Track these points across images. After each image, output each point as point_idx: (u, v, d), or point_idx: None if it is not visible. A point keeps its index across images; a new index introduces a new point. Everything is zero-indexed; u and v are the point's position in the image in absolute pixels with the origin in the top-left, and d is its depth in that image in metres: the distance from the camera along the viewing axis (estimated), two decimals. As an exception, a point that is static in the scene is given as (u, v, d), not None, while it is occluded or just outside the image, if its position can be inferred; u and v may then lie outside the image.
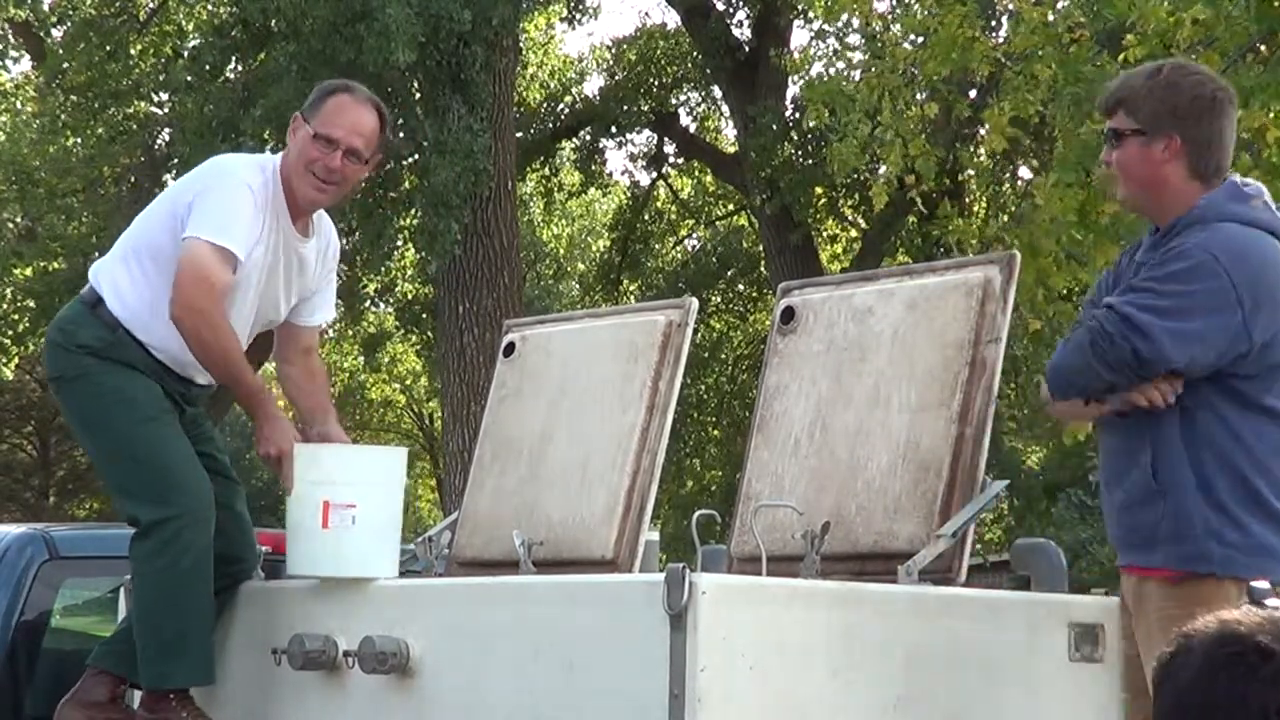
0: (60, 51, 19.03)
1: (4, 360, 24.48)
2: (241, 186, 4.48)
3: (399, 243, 17.83)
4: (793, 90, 19.78)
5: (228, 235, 4.41)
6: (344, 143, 4.56)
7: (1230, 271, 3.67)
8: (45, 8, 19.81)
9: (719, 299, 25.13)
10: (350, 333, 25.69)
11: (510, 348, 5.05)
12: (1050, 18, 10.49)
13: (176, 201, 4.57)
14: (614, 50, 23.98)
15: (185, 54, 18.51)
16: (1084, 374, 3.77)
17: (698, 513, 4.36)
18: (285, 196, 4.58)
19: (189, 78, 16.50)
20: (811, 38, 16.65)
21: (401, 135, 15.81)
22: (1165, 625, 3.46)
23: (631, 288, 24.65)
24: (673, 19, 22.76)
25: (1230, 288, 3.66)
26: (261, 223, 4.51)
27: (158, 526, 4.33)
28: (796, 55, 16.82)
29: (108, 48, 18.51)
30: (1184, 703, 2.21)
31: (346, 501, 4.19)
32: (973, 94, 16.01)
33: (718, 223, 26.40)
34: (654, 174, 25.02)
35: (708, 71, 21.99)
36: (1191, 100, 3.80)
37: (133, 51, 19.16)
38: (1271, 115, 9.19)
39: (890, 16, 12.12)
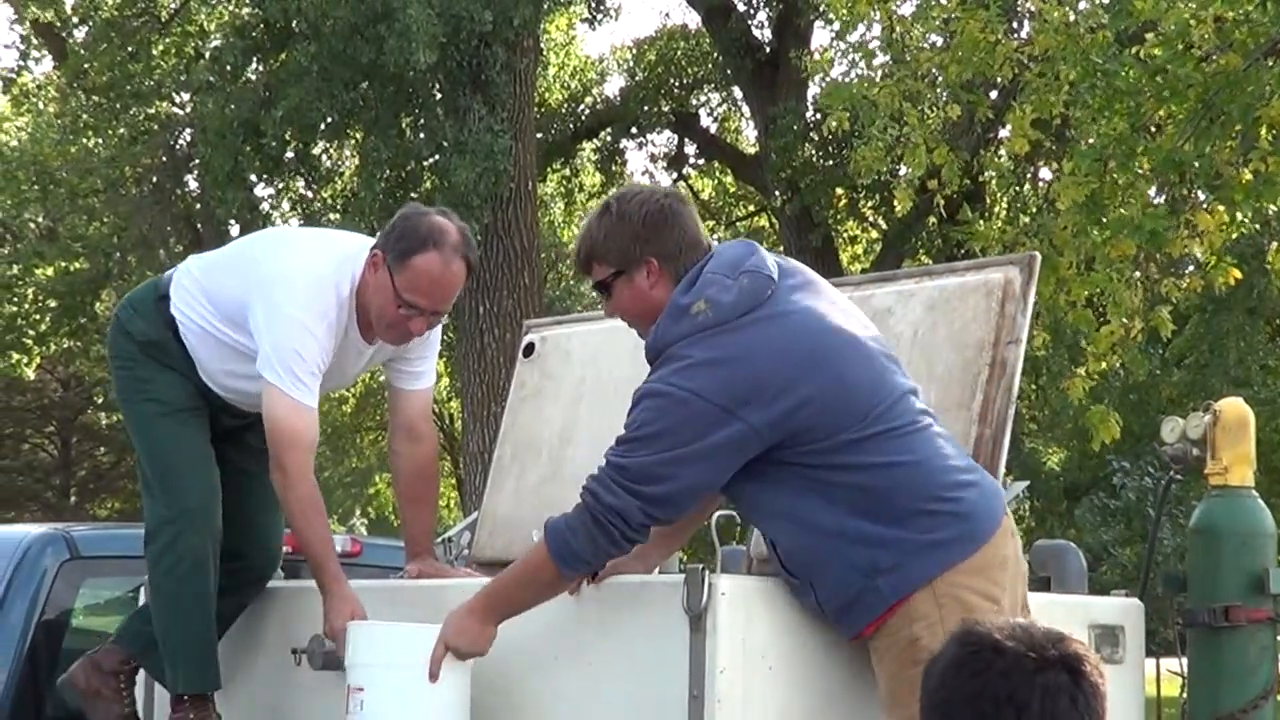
0: (82, 52, 19.07)
1: (26, 360, 24.57)
2: (305, 333, 4.21)
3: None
4: (813, 91, 19.76)
5: (303, 390, 4.21)
6: (429, 309, 4.28)
7: (701, 394, 3.48)
8: (67, 8, 19.87)
9: (739, 300, 25.05)
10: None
11: (530, 348, 5.05)
12: (1072, 17, 10.45)
13: (247, 283, 4.33)
14: (634, 51, 23.96)
15: (206, 54, 18.56)
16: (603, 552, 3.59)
17: (717, 513, 4.35)
18: (358, 316, 4.34)
19: (210, 78, 16.54)
20: (832, 38, 16.61)
21: (422, 136, 15.83)
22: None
23: (651, 289, 24.59)
24: (693, 19, 22.74)
25: (710, 407, 3.47)
26: (331, 345, 4.30)
27: (159, 529, 4.36)
28: (817, 56, 16.76)
29: (129, 48, 18.58)
30: (933, 700, 2.39)
31: (357, 685, 3.79)
32: (994, 95, 15.95)
33: (738, 223, 26.37)
34: (674, 175, 24.99)
35: (728, 72, 21.96)
36: (644, 221, 3.71)
37: (154, 52, 19.23)
38: None
39: (911, 19, 12.06)
